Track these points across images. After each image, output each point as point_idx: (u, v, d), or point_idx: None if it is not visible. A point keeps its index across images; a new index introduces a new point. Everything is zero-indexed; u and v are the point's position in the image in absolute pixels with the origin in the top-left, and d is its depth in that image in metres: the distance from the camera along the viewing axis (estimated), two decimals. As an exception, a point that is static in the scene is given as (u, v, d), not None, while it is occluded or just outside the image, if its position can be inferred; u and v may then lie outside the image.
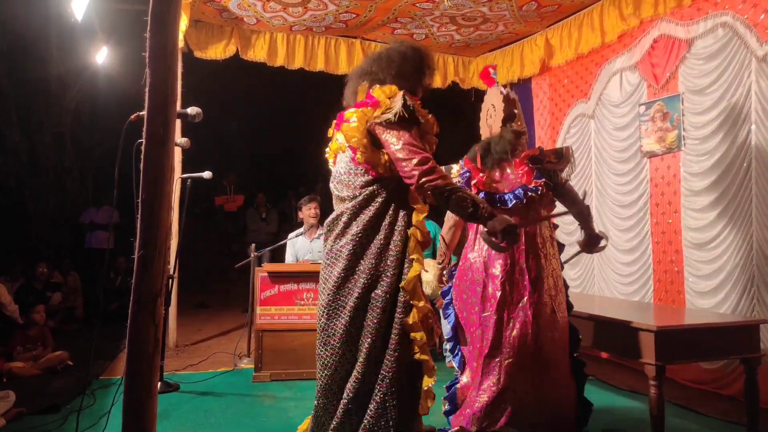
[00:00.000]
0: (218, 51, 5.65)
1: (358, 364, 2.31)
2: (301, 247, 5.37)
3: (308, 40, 5.93)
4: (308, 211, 5.40)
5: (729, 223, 3.98)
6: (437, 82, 6.55)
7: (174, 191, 4.81)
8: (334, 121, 2.66)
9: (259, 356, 4.49)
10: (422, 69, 2.62)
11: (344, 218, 2.40)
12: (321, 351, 2.39)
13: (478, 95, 6.78)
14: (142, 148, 1.86)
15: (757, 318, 3.57)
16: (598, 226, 5.23)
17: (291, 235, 5.43)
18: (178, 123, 4.53)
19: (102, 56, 6.31)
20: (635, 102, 4.81)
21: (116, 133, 2.39)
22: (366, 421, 2.27)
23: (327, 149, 2.70)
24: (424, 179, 2.26)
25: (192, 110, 2.62)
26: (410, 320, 2.30)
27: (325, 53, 5.99)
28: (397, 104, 2.35)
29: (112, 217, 7.79)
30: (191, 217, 5.46)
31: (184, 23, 5.16)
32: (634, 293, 4.82)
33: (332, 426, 2.32)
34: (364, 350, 2.30)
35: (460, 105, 7.59)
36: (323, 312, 2.40)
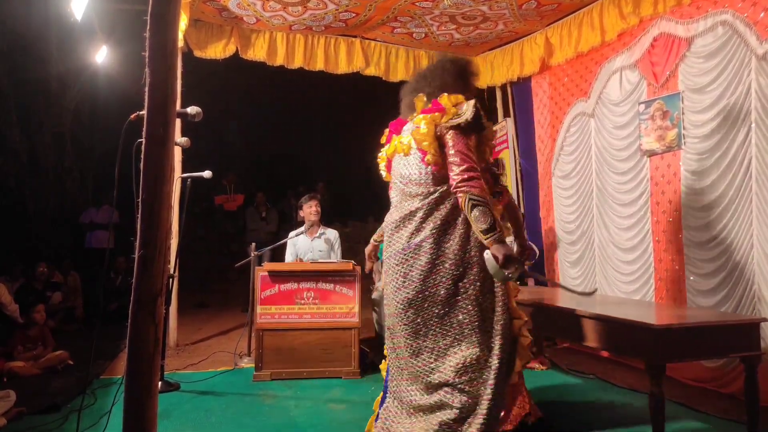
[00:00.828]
0: (218, 50, 5.64)
1: (460, 350, 2.45)
2: (302, 245, 5.36)
3: (308, 39, 5.93)
4: (309, 209, 5.39)
5: (729, 222, 3.98)
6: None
7: (174, 191, 4.81)
8: (387, 129, 2.91)
9: (260, 355, 4.49)
10: (464, 76, 2.82)
11: (420, 214, 2.57)
12: (409, 341, 2.53)
13: (478, 93, 6.77)
14: (142, 147, 1.86)
15: (758, 316, 3.57)
16: (599, 225, 5.26)
17: (291, 234, 5.43)
18: (178, 122, 4.54)
19: (102, 56, 6.31)
20: (635, 100, 4.81)
21: (116, 133, 2.39)
22: (466, 401, 2.40)
23: (380, 154, 2.93)
24: (462, 184, 2.44)
25: (192, 110, 2.63)
26: (513, 303, 2.55)
27: (324, 52, 5.99)
28: (468, 112, 2.55)
29: (112, 217, 7.79)
30: (191, 217, 5.46)
31: (183, 22, 5.15)
32: (635, 292, 4.82)
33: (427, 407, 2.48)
34: (467, 336, 2.46)
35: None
36: (408, 305, 2.53)
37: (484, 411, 2.38)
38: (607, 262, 5.16)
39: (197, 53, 5.60)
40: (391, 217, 2.72)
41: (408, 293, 2.53)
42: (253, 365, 4.58)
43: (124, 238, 3.70)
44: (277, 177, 12.12)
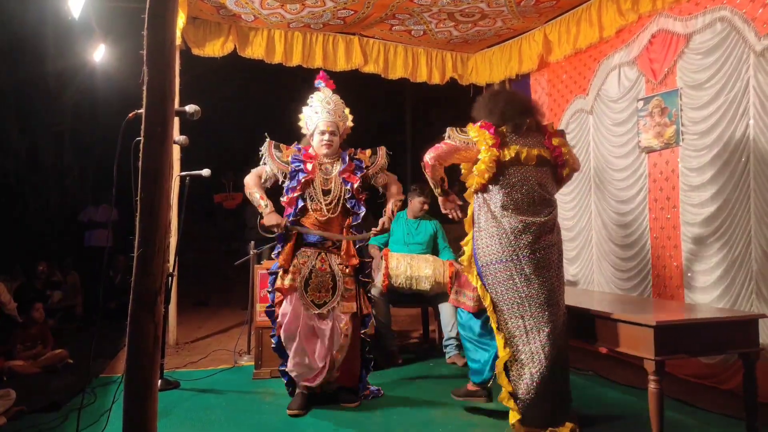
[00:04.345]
0: (216, 48, 5.64)
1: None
2: None
3: (306, 37, 5.92)
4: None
5: (727, 218, 3.99)
6: (435, 78, 6.55)
7: (173, 189, 4.81)
8: (494, 136, 3.24)
9: (259, 353, 4.49)
10: (497, 109, 3.33)
11: (553, 216, 3.25)
12: (551, 316, 3.08)
13: (477, 91, 6.78)
14: (141, 146, 1.86)
15: (756, 313, 3.58)
16: (597, 222, 5.26)
17: None
18: (176, 121, 4.54)
19: (100, 54, 6.29)
20: (633, 97, 4.81)
21: (115, 131, 2.38)
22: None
23: (497, 154, 3.23)
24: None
25: (190, 108, 2.62)
26: None
27: (323, 50, 5.98)
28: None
29: (111, 216, 7.78)
30: (190, 215, 5.46)
31: (181, 20, 5.15)
32: (633, 288, 4.83)
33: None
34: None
35: (459, 101, 7.58)
36: (551, 286, 3.11)
37: None
38: (605, 258, 5.16)
39: (195, 51, 5.59)
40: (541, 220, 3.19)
41: (551, 275, 3.18)
42: (253, 363, 4.59)
43: (124, 236, 3.71)
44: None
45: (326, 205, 3.74)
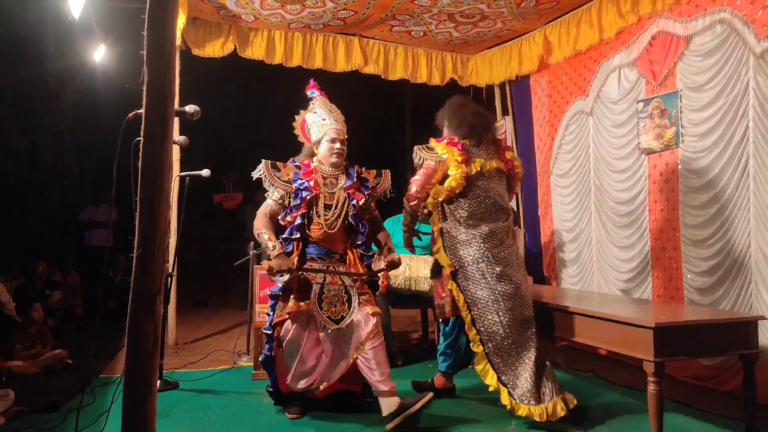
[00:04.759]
0: (216, 48, 5.64)
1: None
2: None
3: (306, 37, 5.92)
4: None
5: (727, 220, 3.99)
6: (435, 79, 6.55)
7: (173, 189, 4.81)
8: (462, 152, 3.61)
9: (259, 354, 4.47)
10: (466, 122, 3.73)
11: (510, 222, 3.67)
12: (522, 308, 3.48)
13: (477, 92, 6.78)
14: (141, 146, 1.86)
15: (756, 315, 3.58)
16: (596, 224, 5.26)
17: None
18: (176, 121, 4.53)
19: (100, 54, 6.29)
20: (633, 99, 4.81)
21: (115, 131, 2.39)
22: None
23: (466, 170, 3.58)
24: None
25: (190, 108, 2.62)
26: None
27: (323, 50, 5.98)
28: None
29: (111, 215, 7.78)
30: (190, 215, 5.46)
31: (181, 21, 5.15)
32: (632, 290, 4.83)
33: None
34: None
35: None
36: (518, 282, 3.50)
37: None
38: (604, 260, 5.17)
39: (195, 51, 5.59)
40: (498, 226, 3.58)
41: (517, 273, 3.60)
42: (252, 364, 4.58)
43: (123, 236, 3.71)
44: (275, 175, 12.09)
45: (326, 220, 3.52)
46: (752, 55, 3.82)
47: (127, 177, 2.20)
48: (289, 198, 3.57)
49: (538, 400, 3.27)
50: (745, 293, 3.86)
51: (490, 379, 3.43)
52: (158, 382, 2.03)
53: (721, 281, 4.02)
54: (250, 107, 11.95)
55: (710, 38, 4.11)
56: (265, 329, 3.61)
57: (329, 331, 3.42)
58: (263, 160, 3.65)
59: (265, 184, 3.61)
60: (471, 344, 3.51)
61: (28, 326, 5.07)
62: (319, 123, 3.65)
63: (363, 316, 3.43)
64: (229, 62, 5.86)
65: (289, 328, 3.44)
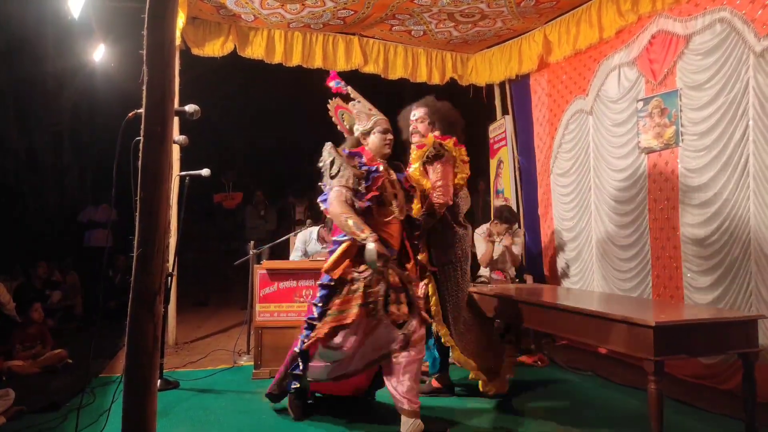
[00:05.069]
0: (216, 48, 5.64)
1: None
2: (314, 246, 5.38)
3: (306, 37, 5.92)
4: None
5: (727, 219, 3.99)
6: (435, 78, 6.55)
7: (172, 189, 4.81)
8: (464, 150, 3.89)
9: (259, 353, 4.49)
10: (458, 125, 3.98)
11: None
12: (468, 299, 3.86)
13: (477, 91, 6.78)
14: (140, 145, 1.86)
15: (755, 313, 3.58)
16: (597, 223, 5.26)
17: (306, 228, 5.48)
18: (176, 121, 4.53)
19: (99, 54, 6.29)
20: (633, 98, 4.81)
21: (115, 131, 2.39)
22: None
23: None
24: None
25: (190, 108, 2.63)
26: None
27: (323, 50, 5.99)
28: None
29: (110, 215, 7.78)
30: (190, 215, 5.46)
31: (181, 20, 5.15)
32: (632, 289, 4.83)
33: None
34: None
35: (459, 101, 7.59)
36: (468, 278, 3.90)
37: None
38: (604, 259, 5.17)
39: (195, 51, 5.59)
40: None
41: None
42: (252, 363, 4.58)
43: (123, 236, 3.70)
44: (275, 175, 12.14)
45: (398, 206, 3.32)
46: (752, 54, 3.82)
47: (127, 177, 2.20)
48: (360, 182, 3.21)
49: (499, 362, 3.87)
50: (745, 292, 3.86)
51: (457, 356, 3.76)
52: (158, 381, 2.03)
53: (721, 280, 4.02)
54: (250, 107, 11.94)
55: (710, 37, 4.11)
56: (310, 318, 3.30)
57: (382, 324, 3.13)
58: (329, 144, 3.31)
59: (334, 167, 3.22)
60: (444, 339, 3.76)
61: (28, 326, 5.07)
62: (367, 113, 3.46)
63: (416, 323, 3.20)
64: (228, 62, 5.85)
65: (341, 335, 3.15)
